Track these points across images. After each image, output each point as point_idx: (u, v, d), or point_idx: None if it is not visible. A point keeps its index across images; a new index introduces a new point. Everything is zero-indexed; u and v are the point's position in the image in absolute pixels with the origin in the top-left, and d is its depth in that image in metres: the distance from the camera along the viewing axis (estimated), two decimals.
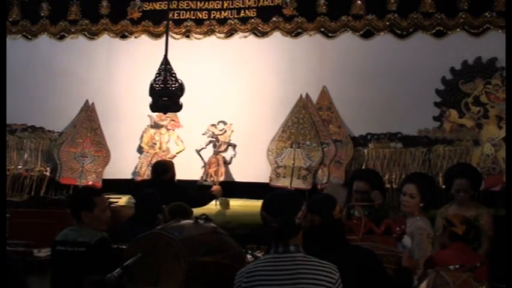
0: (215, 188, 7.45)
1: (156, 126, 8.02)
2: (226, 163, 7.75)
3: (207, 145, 7.78)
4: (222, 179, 7.66)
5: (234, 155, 7.77)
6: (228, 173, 7.76)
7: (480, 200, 6.30)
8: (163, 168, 7.02)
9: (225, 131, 7.78)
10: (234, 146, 7.77)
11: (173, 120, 7.93)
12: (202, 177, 7.71)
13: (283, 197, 3.35)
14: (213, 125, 7.82)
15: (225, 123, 7.80)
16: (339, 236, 3.75)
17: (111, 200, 6.72)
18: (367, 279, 3.57)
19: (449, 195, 6.01)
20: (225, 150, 7.78)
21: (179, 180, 7.28)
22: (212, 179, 7.64)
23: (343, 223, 3.97)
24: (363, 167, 7.28)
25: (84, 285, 4.38)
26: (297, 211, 3.23)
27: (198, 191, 7.42)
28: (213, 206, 7.38)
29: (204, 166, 7.74)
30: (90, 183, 7.97)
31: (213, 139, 7.79)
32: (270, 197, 3.37)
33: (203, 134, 7.81)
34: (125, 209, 7.07)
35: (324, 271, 3.14)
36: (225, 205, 7.53)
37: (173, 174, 7.11)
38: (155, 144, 7.99)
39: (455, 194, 5.86)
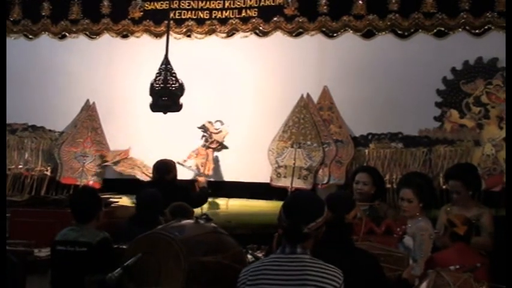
0: (201, 179, 7.43)
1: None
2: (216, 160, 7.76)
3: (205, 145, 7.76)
4: (208, 173, 7.60)
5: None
6: (218, 171, 7.77)
7: (481, 200, 6.31)
8: (166, 168, 7.00)
9: (220, 131, 7.77)
10: (225, 147, 7.77)
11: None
12: (185, 160, 7.65)
13: (303, 203, 3.28)
14: (210, 122, 7.80)
15: (222, 123, 7.78)
16: (344, 238, 3.71)
17: (111, 200, 6.72)
18: (367, 282, 3.55)
19: (450, 195, 6.05)
20: (217, 148, 7.75)
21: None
22: (197, 168, 7.62)
23: (353, 228, 3.91)
24: None
25: (85, 285, 4.39)
26: (310, 221, 3.19)
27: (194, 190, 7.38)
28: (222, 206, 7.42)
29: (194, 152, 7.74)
30: (91, 183, 7.99)
31: (206, 135, 7.77)
32: (292, 196, 3.35)
33: (198, 128, 7.78)
34: (125, 208, 7.05)
35: (329, 274, 3.13)
36: (215, 205, 7.49)
37: (175, 174, 7.11)
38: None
39: (451, 195, 5.92)
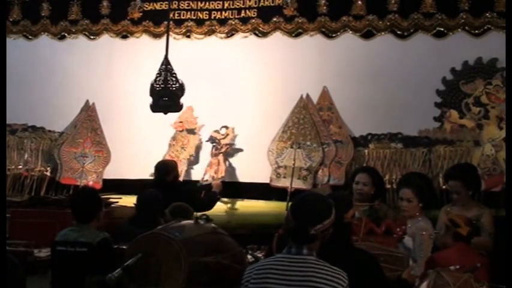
0: (215, 183, 7.43)
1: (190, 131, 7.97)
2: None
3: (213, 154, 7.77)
4: (221, 176, 7.62)
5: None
6: (231, 172, 7.77)
7: (481, 200, 6.31)
8: (166, 169, 6.98)
9: (227, 135, 7.76)
10: (240, 150, 7.78)
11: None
12: (202, 178, 7.68)
13: (310, 204, 3.26)
14: (216, 131, 7.80)
15: (227, 127, 7.79)
16: (343, 238, 3.70)
17: (111, 200, 6.72)
18: (367, 282, 3.54)
19: (449, 195, 6.05)
20: (227, 150, 7.75)
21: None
22: (212, 177, 7.61)
23: (352, 228, 3.90)
24: None
25: (86, 285, 4.39)
26: (316, 223, 3.16)
27: (200, 194, 7.36)
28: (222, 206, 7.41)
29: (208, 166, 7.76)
30: (91, 183, 7.98)
31: (215, 143, 7.76)
32: (301, 198, 3.31)
33: (206, 141, 7.80)
34: (125, 209, 7.05)
35: (334, 277, 3.11)
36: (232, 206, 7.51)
37: (177, 175, 7.09)
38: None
39: (451, 195, 5.93)
